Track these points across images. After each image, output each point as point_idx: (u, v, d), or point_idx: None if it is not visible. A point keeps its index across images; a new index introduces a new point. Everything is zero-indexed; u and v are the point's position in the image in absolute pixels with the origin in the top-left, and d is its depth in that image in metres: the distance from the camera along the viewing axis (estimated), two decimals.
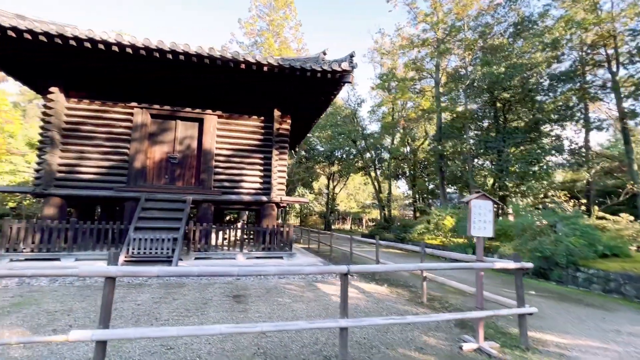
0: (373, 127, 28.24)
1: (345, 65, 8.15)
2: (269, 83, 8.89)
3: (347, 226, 36.96)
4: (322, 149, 28.13)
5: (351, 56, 8.34)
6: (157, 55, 7.27)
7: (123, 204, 8.51)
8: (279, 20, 20.86)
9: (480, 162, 16.21)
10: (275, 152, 9.30)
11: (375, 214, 34.75)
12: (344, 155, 26.24)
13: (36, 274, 2.51)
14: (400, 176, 29.13)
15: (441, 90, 16.65)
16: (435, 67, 17.06)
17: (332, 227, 30.29)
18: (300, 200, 9.79)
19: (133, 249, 7.07)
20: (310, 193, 29.89)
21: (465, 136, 15.07)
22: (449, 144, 16.05)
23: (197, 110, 9.05)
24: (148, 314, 4.22)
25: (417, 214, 23.07)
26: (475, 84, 13.68)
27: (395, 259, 10.26)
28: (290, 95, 9.51)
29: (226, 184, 9.13)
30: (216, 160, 9.11)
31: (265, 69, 7.82)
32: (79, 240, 7.53)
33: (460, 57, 15.24)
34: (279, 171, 9.37)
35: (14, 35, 6.64)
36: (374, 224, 38.69)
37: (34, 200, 15.03)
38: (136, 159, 8.55)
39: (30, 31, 6.61)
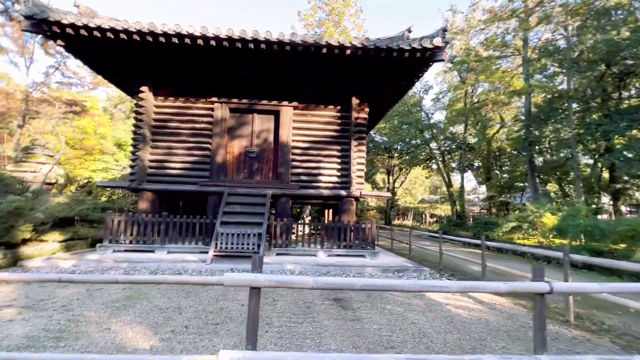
0: (437, 116, 26.22)
1: (437, 41, 7.17)
2: (348, 69, 8.27)
3: (407, 222, 35.24)
4: (380, 140, 26.97)
5: (444, 30, 7.33)
6: (239, 45, 7.08)
7: (206, 198, 8.63)
8: (340, 9, 20.15)
9: (582, 150, 13.75)
10: (353, 142, 8.68)
11: (440, 209, 32.57)
12: (406, 147, 24.72)
13: (180, 281, 2.18)
14: (467, 168, 26.75)
15: (530, 69, 14.38)
16: (524, 41, 14.84)
17: (392, 223, 29.05)
18: (380, 194, 9.07)
19: (221, 243, 7.04)
20: (373, 188, 28.97)
21: (565, 119, 12.82)
22: (546, 129, 13.78)
23: (274, 102, 8.79)
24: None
25: (494, 210, 20.85)
26: (584, 56, 11.46)
27: (504, 264, 9.01)
28: (370, 82, 8.78)
29: (303, 177, 8.78)
30: (293, 154, 8.80)
31: (347, 52, 7.20)
32: (170, 234, 7.76)
33: (562, 25, 12.88)
34: (358, 163, 8.74)
35: (112, 36, 6.93)
36: (435, 220, 36.41)
37: (122, 195, 16.55)
38: (217, 153, 8.60)
39: (125, 31, 6.82)
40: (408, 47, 7.15)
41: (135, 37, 6.91)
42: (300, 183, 8.70)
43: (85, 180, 16.31)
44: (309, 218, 15.00)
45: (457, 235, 15.11)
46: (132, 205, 12.64)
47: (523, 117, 16.51)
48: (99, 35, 6.88)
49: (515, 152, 21.38)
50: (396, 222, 32.78)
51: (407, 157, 25.34)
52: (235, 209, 7.89)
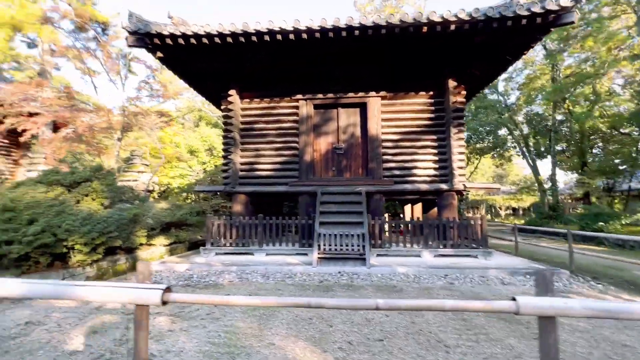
0: (512, 99, 23.59)
1: (564, 1, 6.01)
2: (444, 49, 7.44)
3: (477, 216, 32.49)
4: None
5: None
6: (331, 35, 6.67)
7: (296, 198, 8.45)
8: None
9: None
10: (453, 130, 7.80)
11: (516, 200, 29.55)
12: (484, 133, 22.58)
13: (462, 308, 1.71)
14: (547, 153, 23.69)
15: None
16: None
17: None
18: (490, 186, 8.05)
19: (324, 245, 6.73)
20: None
21: None
22: None
23: (360, 94, 8.28)
24: (420, 332, 3.36)
25: (593, 199, 18.08)
26: None
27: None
28: (468, 61, 7.84)
29: (396, 172, 8.15)
30: (384, 147, 8.21)
31: (452, 27, 6.39)
32: (267, 236, 7.68)
33: None
34: (459, 153, 7.84)
35: (206, 41, 6.98)
36: (509, 212, 33.18)
37: (200, 198, 17.47)
38: (305, 152, 8.36)
39: (219, 34, 6.81)
40: (527, 13, 6.11)
41: (229, 39, 6.88)
42: (394, 178, 8.09)
43: (165, 187, 17.55)
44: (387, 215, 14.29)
45: (549, 227, 13.25)
46: (211, 208, 13.15)
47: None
48: (194, 42, 6.99)
49: (614, 131, 18.30)
50: (468, 216, 30.35)
51: (480, 145, 23.19)
52: (331, 209, 7.55)
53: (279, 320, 3.73)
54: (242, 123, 8.64)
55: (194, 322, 3.64)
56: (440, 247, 7.26)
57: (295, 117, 8.53)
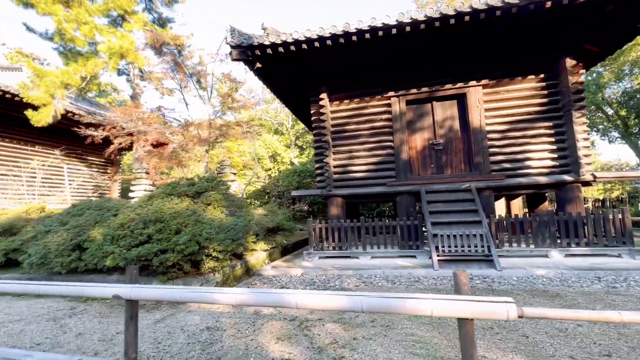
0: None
1: None
2: (559, 24, 6.69)
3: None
4: None
5: None
6: (437, 24, 6.33)
7: (393, 199, 8.18)
8: None
9: None
10: (575, 114, 6.96)
11: (603, 192, 26.18)
12: None
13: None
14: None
15: None
16: None
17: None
18: (627, 175, 6.99)
19: (443, 247, 6.36)
20: None
21: None
22: None
23: (459, 85, 7.79)
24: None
25: None
26: None
27: None
28: (589, 35, 6.97)
29: (506, 165, 7.50)
30: (489, 139, 7.61)
31: None
32: (370, 238, 7.51)
33: None
34: (583, 139, 6.98)
35: (305, 47, 7.04)
36: (598, 204, 29.49)
37: (279, 203, 17.96)
38: (401, 150, 8.07)
39: (320, 37, 6.82)
40: None
41: (328, 42, 6.86)
42: (505, 172, 7.45)
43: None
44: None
45: None
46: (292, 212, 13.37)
47: None
48: (294, 48, 7.08)
49: None
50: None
51: None
52: (439, 208, 7.15)
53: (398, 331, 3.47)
54: (333, 126, 8.60)
55: (360, 332, 3.53)
56: (573, 245, 6.48)
57: (387, 115, 8.29)
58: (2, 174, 11.21)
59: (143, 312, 4.64)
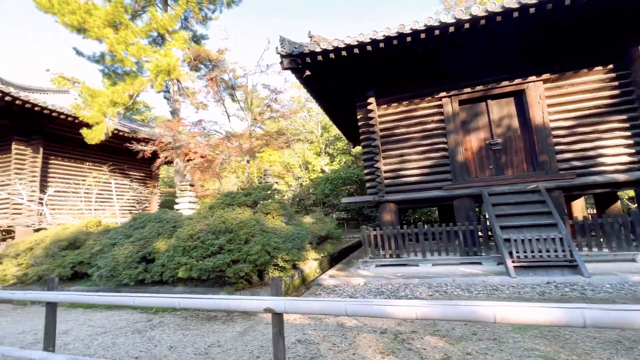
0: None
1: None
2: (631, 10, 6.24)
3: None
4: None
5: None
6: (499, 18, 6.07)
7: (450, 203, 7.84)
8: None
9: None
10: None
11: None
12: None
13: None
14: None
15: None
16: None
17: None
18: None
19: (517, 252, 5.95)
20: None
21: None
22: None
23: (517, 81, 7.43)
24: None
25: None
26: None
27: None
28: None
29: (576, 163, 7.01)
30: (555, 136, 7.17)
31: None
32: (429, 245, 7.18)
33: None
34: None
35: (357, 52, 6.95)
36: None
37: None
38: (457, 152, 7.75)
39: (373, 41, 6.72)
40: None
41: (381, 45, 6.75)
42: (575, 170, 6.96)
43: None
44: None
45: None
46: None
47: None
48: (345, 54, 7.02)
49: None
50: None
51: None
52: (505, 211, 6.75)
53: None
54: (382, 130, 8.43)
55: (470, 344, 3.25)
56: None
57: (439, 117, 8.02)
58: (62, 191, 11.80)
59: (219, 323, 4.57)
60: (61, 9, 10.72)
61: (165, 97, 17.68)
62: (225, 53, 15.12)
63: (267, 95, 12.87)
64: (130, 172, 16.98)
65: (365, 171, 8.58)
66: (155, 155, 12.22)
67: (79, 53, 13.88)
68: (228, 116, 12.34)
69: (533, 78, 7.33)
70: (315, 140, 21.82)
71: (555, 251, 5.76)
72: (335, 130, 19.17)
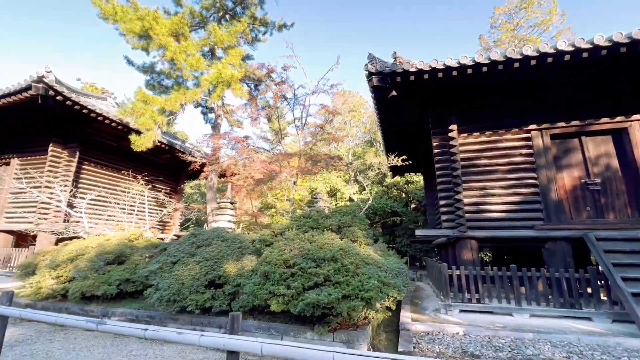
0: None
1: None
2: None
3: None
4: None
5: None
6: (604, 52, 5.68)
7: (540, 245, 7.05)
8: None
9: None
10: None
11: None
12: None
13: None
14: None
15: None
16: None
17: None
18: None
19: None
20: None
21: None
22: None
23: (618, 119, 6.94)
24: None
25: None
26: None
27: None
28: None
29: None
30: None
31: None
32: (527, 292, 6.31)
33: None
34: None
35: (455, 74, 6.56)
36: None
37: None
38: (549, 189, 7.09)
39: (476, 64, 6.33)
40: None
41: (484, 69, 6.35)
42: None
43: None
44: None
45: None
46: None
47: None
48: (441, 75, 6.62)
49: None
50: None
51: None
52: (619, 260, 5.95)
53: None
54: (462, 159, 7.84)
55: None
56: None
57: (527, 150, 7.46)
58: (104, 200, 11.11)
59: None
60: (123, 16, 10.70)
61: (202, 113, 17.52)
62: (273, 72, 14.91)
63: (333, 116, 12.37)
64: (157, 185, 16.38)
65: (441, 202, 7.89)
66: (176, 168, 11.61)
67: (129, 62, 13.84)
68: (282, 136, 11.88)
69: (637, 117, 6.84)
70: (344, 168, 21.37)
71: None
72: (368, 158, 18.69)
